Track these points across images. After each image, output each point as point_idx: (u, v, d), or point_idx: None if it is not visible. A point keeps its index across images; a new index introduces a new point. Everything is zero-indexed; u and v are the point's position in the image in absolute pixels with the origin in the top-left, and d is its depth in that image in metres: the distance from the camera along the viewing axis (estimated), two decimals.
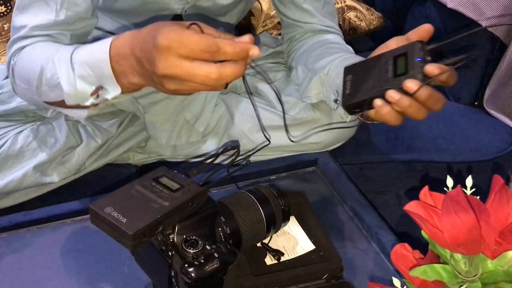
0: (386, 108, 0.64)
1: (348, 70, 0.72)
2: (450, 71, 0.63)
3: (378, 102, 0.64)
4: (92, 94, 0.69)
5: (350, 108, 0.68)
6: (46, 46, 0.76)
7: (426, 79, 0.61)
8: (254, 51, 0.59)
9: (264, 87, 0.97)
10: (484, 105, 1.13)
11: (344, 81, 0.70)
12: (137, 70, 0.65)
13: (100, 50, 0.67)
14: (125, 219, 0.51)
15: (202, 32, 0.61)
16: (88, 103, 0.70)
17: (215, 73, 0.58)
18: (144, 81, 0.66)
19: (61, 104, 0.73)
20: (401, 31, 1.37)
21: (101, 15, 0.90)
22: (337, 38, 0.96)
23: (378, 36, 1.43)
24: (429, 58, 0.63)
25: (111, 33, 0.94)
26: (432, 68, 0.62)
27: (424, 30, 0.67)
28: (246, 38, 0.60)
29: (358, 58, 0.81)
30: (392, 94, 0.63)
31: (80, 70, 0.69)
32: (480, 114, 1.13)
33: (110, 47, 0.66)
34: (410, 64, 0.62)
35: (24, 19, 0.77)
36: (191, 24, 0.62)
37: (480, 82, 1.15)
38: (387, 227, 0.76)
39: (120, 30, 0.91)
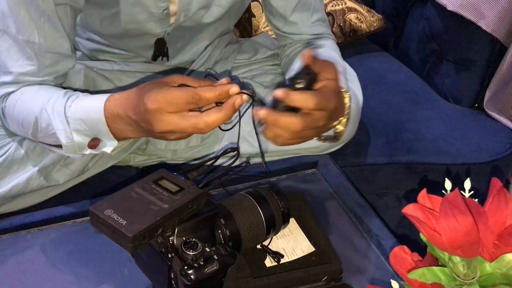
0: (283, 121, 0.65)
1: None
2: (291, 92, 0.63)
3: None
4: (89, 145, 0.74)
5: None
6: (35, 93, 0.78)
7: (276, 103, 0.63)
8: (234, 89, 0.63)
9: (262, 92, 0.98)
10: (484, 107, 1.13)
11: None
12: (134, 129, 0.69)
13: (94, 110, 0.71)
14: (125, 222, 0.51)
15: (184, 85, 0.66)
16: (86, 152, 0.75)
17: (201, 123, 0.63)
18: (144, 135, 0.71)
19: (58, 146, 0.77)
20: (401, 33, 1.37)
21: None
22: (326, 42, 0.95)
23: (378, 38, 1.44)
24: (299, 83, 0.64)
25: (102, 43, 0.96)
26: (277, 93, 0.64)
27: (305, 56, 0.67)
28: (224, 80, 0.65)
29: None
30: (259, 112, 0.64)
31: (75, 125, 0.73)
32: (480, 116, 1.14)
33: (104, 109, 0.70)
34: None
35: (7, 65, 0.79)
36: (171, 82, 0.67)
37: (480, 84, 1.16)
38: (387, 229, 0.77)
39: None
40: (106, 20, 0.84)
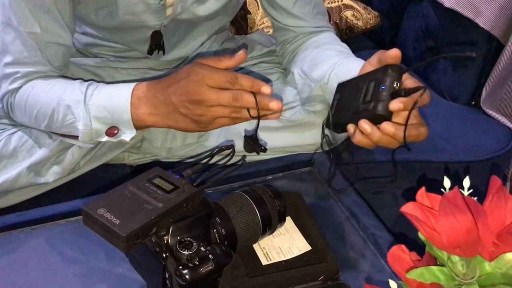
0: (358, 136, 0.68)
1: (338, 88, 0.76)
2: (411, 102, 0.65)
3: (350, 129, 0.69)
4: (106, 132, 0.77)
5: (333, 127, 0.74)
6: (47, 86, 0.81)
7: (387, 113, 0.65)
8: (265, 89, 0.70)
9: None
10: (481, 104, 1.13)
11: (333, 100, 0.75)
12: (158, 110, 0.74)
13: (120, 97, 0.76)
14: (118, 221, 0.50)
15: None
16: (103, 139, 0.78)
17: (232, 97, 0.70)
18: (161, 120, 0.75)
19: (70, 136, 0.81)
20: (398, 30, 1.37)
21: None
22: (330, 36, 0.96)
23: (375, 35, 1.43)
24: (396, 84, 0.65)
25: (97, 37, 0.95)
26: (393, 105, 0.65)
27: (390, 57, 0.68)
28: (241, 52, 0.72)
29: (353, 61, 0.82)
30: (364, 126, 0.66)
31: (96, 112, 0.76)
32: (477, 114, 1.13)
33: (131, 95, 0.75)
34: (376, 91, 0.66)
35: (13, 56, 0.81)
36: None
37: (477, 82, 1.15)
38: (384, 228, 0.76)
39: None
40: (102, 11, 0.84)
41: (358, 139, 0.69)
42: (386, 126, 0.65)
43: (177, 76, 0.73)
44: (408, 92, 0.65)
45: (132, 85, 0.76)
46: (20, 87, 0.81)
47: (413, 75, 0.84)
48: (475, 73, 1.14)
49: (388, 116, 0.65)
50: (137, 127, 0.77)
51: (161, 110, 0.74)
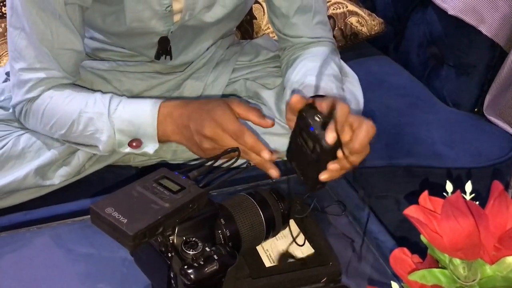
0: (331, 177, 0.68)
1: (288, 157, 0.76)
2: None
3: (327, 179, 0.68)
4: (129, 144, 0.81)
5: (314, 189, 0.72)
6: (66, 98, 0.83)
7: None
8: (265, 154, 0.73)
9: (264, 93, 0.98)
10: (484, 111, 1.14)
11: (295, 171, 0.74)
12: (179, 132, 0.79)
13: (146, 114, 0.79)
14: (126, 220, 0.51)
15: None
16: (125, 150, 0.82)
17: (245, 136, 0.73)
18: (183, 140, 0.80)
19: (86, 145, 0.85)
20: (402, 37, 1.38)
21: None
22: (324, 50, 0.94)
23: (379, 41, 1.44)
24: (317, 117, 0.65)
25: (105, 42, 0.96)
26: (328, 139, 0.65)
27: (294, 104, 0.68)
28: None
29: (307, 91, 0.82)
30: (332, 171, 0.66)
31: (121, 125, 0.80)
32: (480, 121, 1.14)
33: (158, 112, 0.79)
34: (311, 136, 0.66)
35: (27, 62, 0.82)
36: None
37: (480, 89, 1.16)
38: (386, 231, 0.77)
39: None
40: (109, 17, 0.85)
41: (331, 177, 0.68)
42: (333, 166, 0.66)
43: (204, 106, 0.77)
44: (330, 112, 0.65)
45: (158, 102, 0.80)
46: (38, 96, 0.83)
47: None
48: (478, 80, 1.15)
49: (336, 144, 0.65)
50: (160, 141, 0.81)
51: (183, 131, 0.78)
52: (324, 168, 0.67)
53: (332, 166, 0.66)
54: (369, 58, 1.37)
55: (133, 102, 0.82)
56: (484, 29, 1.09)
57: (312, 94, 0.80)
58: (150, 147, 0.81)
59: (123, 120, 0.80)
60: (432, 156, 1.03)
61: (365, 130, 0.67)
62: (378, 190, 1.06)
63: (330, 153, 0.66)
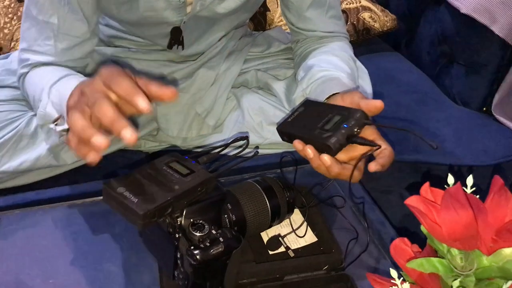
0: (317, 162, 0.68)
1: (305, 103, 0.78)
2: (358, 162, 0.68)
3: (297, 145, 0.69)
4: (54, 121, 0.74)
5: (280, 133, 0.74)
6: (43, 72, 0.82)
7: (336, 148, 0.66)
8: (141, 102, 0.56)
9: (274, 84, 0.99)
10: (492, 111, 1.14)
11: (295, 109, 0.76)
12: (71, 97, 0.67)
13: (70, 87, 0.69)
14: (136, 199, 0.53)
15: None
16: (51, 126, 0.75)
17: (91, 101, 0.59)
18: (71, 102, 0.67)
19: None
20: (413, 34, 1.38)
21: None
22: (340, 46, 0.95)
23: (391, 38, 1.44)
24: (356, 130, 0.67)
25: (119, 30, 0.97)
26: (370, 167, 0.67)
27: (373, 106, 0.69)
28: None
29: (335, 82, 0.83)
30: (325, 159, 0.66)
31: (53, 97, 0.74)
32: (488, 120, 1.14)
33: (76, 86, 0.68)
34: (336, 125, 0.67)
35: (27, 43, 0.83)
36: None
37: (489, 88, 1.16)
38: (389, 224, 0.78)
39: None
40: (124, 6, 0.86)
41: (316, 164, 0.69)
42: (325, 158, 0.67)
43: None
44: (362, 143, 0.67)
45: (81, 80, 0.74)
46: (28, 72, 0.84)
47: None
48: (488, 80, 1.16)
49: (335, 151, 0.66)
50: None
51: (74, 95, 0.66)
52: (304, 141, 0.68)
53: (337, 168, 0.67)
54: (380, 54, 1.37)
55: (75, 78, 0.76)
56: (496, 29, 1.10)
57: (336, 89, 0.80)
58: (62, 126, 0.73)
59: (56, 90, 0.74)
60: (437, 153, 1.03)
61: (388, 157, 0.68)
62: (383, 185, 1.06)
63: (323, 146, 0.67)
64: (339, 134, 0.65)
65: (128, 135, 0.54)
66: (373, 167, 0.66)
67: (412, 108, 1.15)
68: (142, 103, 0.55)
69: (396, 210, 1.07)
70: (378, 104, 0.69)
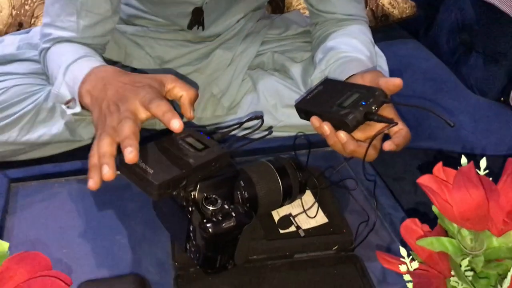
0: (333, 139, 0.68)
1: (324, 81, 0.78)
2: (372, 139, 0.68)
3: (314, 121, 0.69)
4: (66, 103, 0.77)
5: (298, 110, 0.74)
6: (61, 51, 0.83)
7: (353, 125, 0.67)
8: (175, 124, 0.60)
9: (291, 66, 0.99)
10: (510, 101, 1.13)
11: (313, 87, 0.76)
12: (92, 93, 0.70)
13: (83, 69, 0.74)
14: (152, 171, 0.54)
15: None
16: (63, 107, 0.78)
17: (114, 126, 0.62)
18: (90, 103, 0.71)
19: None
20: (432, 21, 1.37)
21: None
22: (360, 29, 0.95)
23: (410, 25, 1.43)
24: (374, 108, 0.67)
25: (140, 9, 0.98)
26: (384, 146, 0.67)
27: (392, 84, 0.69)
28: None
29: (355, 63, 0.83)
30: (342, 135, 0.67)
31: (68, 78, 0.76)
32: (505, 110, 1.13)
33: (89, 71, 0.73)
34: (354, 103, 0.67)
35: (50, 18, 0.85)
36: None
37: (507, 78, 1.15)
38: (401, 208, 0.78)
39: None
40: None
41: (332, 141, 0.69)
42: (341, 135, 0.67)
43: (132, 78, 0.68)
44: (379, 120, 0.66)
45: (100, 63, 0.76)
46: (49, 48, 0.85)
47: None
48: (506, 70, 1.14)
49: (352, 128, 0.67)
50: (81, 103, 0.74)
51: (96, 93, 0.69)
52: (321, 117, 0.69)
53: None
54: (398, 41, 1.36)
55: (91, 60, 0.77)
56: None
57: (355, 70, 0.80)
58: (74, 109, 0.76)
59: (71, 73, 0.76)
60: (453, 141, 1.03)
61: (404, 137, 0.68)
62: (396, 172, 1.06)
63: (340, 123, 0.67)
64: (356, 111, 0.66)
65: (128, 153, 0.57)
66: (387, 146, 0.66)
67: (428, 96, 1.15)
68: (176, 124, 0.60)
69: (408, 198, 1.06)
70: (397, 82, 0.68)
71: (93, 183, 0.60)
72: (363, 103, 0.66)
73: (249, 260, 0.65)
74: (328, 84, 0.76)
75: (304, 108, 0.72)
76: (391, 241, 0.73)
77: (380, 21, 1.37)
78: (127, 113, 0.62)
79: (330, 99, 0.70)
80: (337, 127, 0.68)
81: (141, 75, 0.69)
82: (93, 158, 0.61)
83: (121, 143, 0.59)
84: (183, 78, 1.00)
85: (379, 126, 0.69)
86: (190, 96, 0.65)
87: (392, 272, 0.52)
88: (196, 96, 0.66)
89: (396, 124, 0.67)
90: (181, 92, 0.66)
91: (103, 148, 0.60)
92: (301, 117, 0.74)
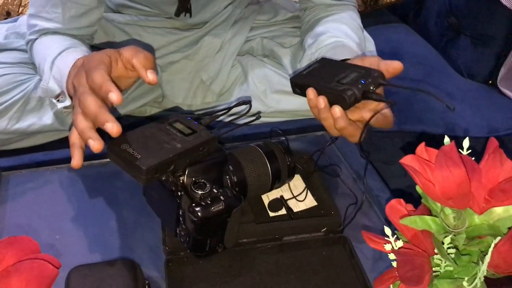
0: (325, 114, 0.68)
1: (322, 59, 0.77)
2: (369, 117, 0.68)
3: (310, 92, 0.68)
4: (56, 97, 0.77)
5: (293, 84, 0.73)
6: (50, 41, 0.83)
7: (351, 101, 0.66)
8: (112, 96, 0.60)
9: (280, 52, 0.99)
10: (498, 84, 1.14)
11: (309, 64, 0.76)
12: (70, 84, 0.69)
13: (69, 62, 0.72)
14: (140, 156, 0.55)
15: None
16: (53, 100, 0.78)
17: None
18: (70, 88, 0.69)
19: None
20: (421, 5, 1.37)
21: None
22: (350, 15, 0.95)
23: (399, 9, 1.43)
24: (372, 87, 0.67)
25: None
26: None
27: (392, 67, 0.70)
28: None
29: (346, 50, 0.83)
30: (336, 110, 0.66)
31: (55, 72, 0.76)
32: (493, 93, 1.14)
33: (73, 63, 0.71)
34: (352, 81, 0.67)
35: (35, 9, 0.84)
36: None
37: (495, 61, 1.16)
38: (389, 191, 0.79)
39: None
40: None
41: (324, 116, 0.69)
42: (336, 109, 0.67)
43: (91, 57, 0.67)
44: (378, 98, 0.67)
45: (84, 53, 0.75)
46: (35, 39, 0.85)
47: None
48: (495, 52, 1.15)
49: (349, 104, 0.67)
50: (70, 95, 0.73)
51: (75, 82, 0.67)
52: (317, 91, 0.69)
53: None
54: (387, 25, 1.36)
55: (78, 51, 0.77)
56: (504, 1, 1.08)
57: (347, 56, 0.80)
58: (64, 102, 0.76)
59: (57, 66, 0.76)
60: (442, 124, 1.04)
61: (386, 117, 0.69)
62: (386, 156, 1.07)
63: (337, 98, 0.67)
64: (355, 88, 0.66)
65: (110, 128, 0.57)
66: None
67: (417, 80, 1.15)
68: (113, 96, 0.59)
69: (398, 181, 1.08)
70: (397, 65, 0.69)
71: (74, 161, 0.60)
72: (362, 81, 0.67)
73: (239, 243, 0.65)
74: (325, 62, 0.76)
75: (301, 82, 0.72)
76: (379, 222, 0.74)
77: (369, 5, 1.37)
78: (82, 88, 0.62)
79: (328, 76, 0.70)
80: (333, 103, 0.68)
81: (100, 53, 0.67)
82: (72, 136, 0.61)
83: (96, 122, 0.59)
84: (171, 65, 1.00)
85: (368, 108, 0.69)
86: (139, 60, 0.64)
87: (381, 252, 0.53)
88: (146, 59, 0.64)
89: (394, 103, 0.67)
90: (132, 59, 0.64)
91: (80, 124, 0.59)
92: (295, 92, 0.73)
